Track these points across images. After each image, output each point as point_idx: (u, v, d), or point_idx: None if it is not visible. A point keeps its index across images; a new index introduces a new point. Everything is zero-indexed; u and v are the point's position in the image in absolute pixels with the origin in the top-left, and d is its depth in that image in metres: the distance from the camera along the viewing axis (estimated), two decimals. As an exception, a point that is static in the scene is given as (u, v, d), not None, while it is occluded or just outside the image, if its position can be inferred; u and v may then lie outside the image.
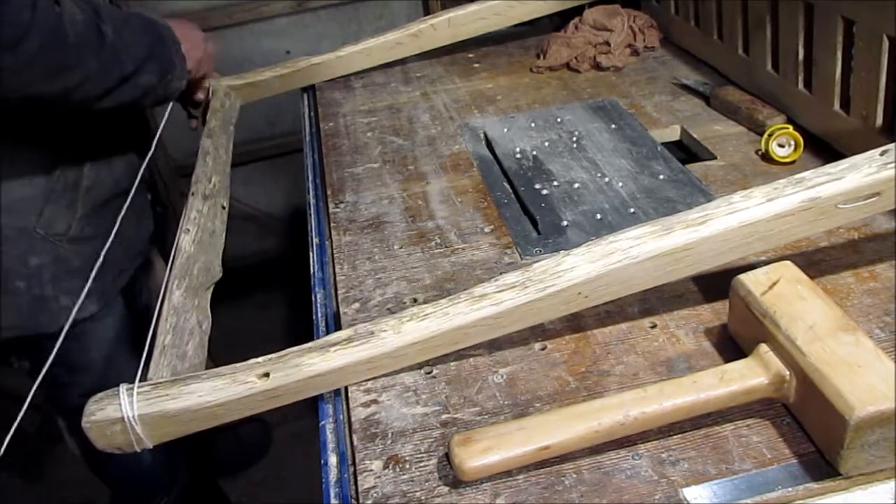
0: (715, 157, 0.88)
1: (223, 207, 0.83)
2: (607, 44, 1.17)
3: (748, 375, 0.51)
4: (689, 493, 0.48)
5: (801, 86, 0.88)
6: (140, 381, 0.56)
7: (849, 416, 0.45)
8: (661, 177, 0.84)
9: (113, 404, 0.53)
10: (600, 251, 0.55)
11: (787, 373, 0.51)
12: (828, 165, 0.56)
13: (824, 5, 0.80)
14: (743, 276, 0.56)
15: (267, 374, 0.55)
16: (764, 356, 0.52)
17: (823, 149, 0.85)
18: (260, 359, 0.56)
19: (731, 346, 0.59)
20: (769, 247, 0.57)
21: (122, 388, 0.54)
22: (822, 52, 0.82)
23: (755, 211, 0.55)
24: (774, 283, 0.55)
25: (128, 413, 0.53)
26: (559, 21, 1.25)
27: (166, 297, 0.66)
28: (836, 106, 0.82)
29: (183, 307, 0.66)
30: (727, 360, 0.58)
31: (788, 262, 0.57)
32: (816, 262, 0.68)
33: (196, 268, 0.71)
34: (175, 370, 0.60)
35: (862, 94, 0.77)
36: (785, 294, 0.54)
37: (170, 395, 0.54)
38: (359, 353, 0.56)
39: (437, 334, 0.56)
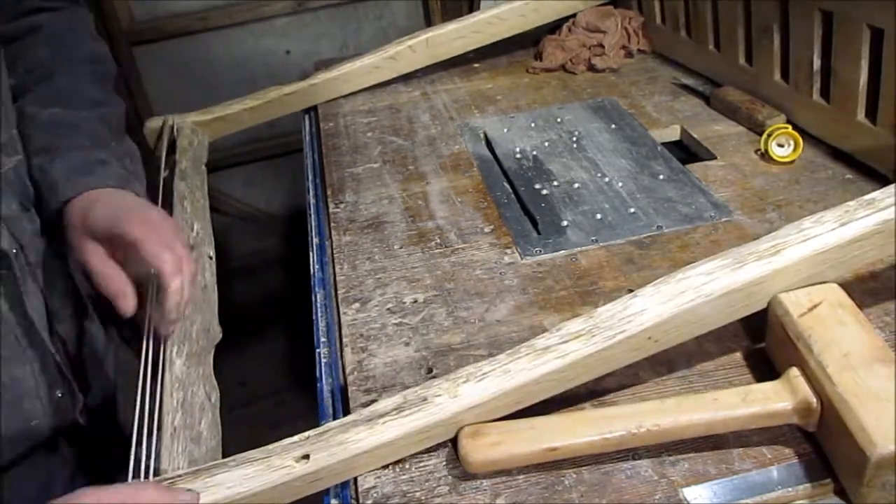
0: (715, 157, 0.88)
1: (210, 258, 0.74)
2: (601, 45, 1.17)
3: (773, 399, 0.49)
4: (689, 493, 0.48)
5: (816, 96, 0.84)
6: (154, 473, 0.50)
7: (870, 452, 0.42)
8: (661, 177, 0.84)
9: None
10: (670, 290, 0.51)
11: (814, 400, 0.48)
12: None
13: (847, 13, 0.75)
14: (783, 295, 0.53)
15: (307, 456, 0.48)
16: (793, 380, 0.49)
17: (823, 149, 0.85)
18: (296, 437, 0.50)
19: (731, 346, 0.59)
20: (840, 274, 0.53)
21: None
22: (844, 61, 0.77)
23: (828, 237, 0.51)
24: (816, 306, 0.52)
25: None
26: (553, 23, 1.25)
27: (166, 369, 0.58)
28: (861, 116, 0.78)
29: (188, 379, 0.58)
30: (725, 361, 0.58)
31: (835, 285, 0.53)
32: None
33: (195, 330, 0.63)
34: (192, 457, 0.53)
35: (892, 103, 0.72)
36: (824, 318, 0.51)
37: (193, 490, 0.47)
38: (411, 424, 0.49)
39: (497, 395, 0.50)
